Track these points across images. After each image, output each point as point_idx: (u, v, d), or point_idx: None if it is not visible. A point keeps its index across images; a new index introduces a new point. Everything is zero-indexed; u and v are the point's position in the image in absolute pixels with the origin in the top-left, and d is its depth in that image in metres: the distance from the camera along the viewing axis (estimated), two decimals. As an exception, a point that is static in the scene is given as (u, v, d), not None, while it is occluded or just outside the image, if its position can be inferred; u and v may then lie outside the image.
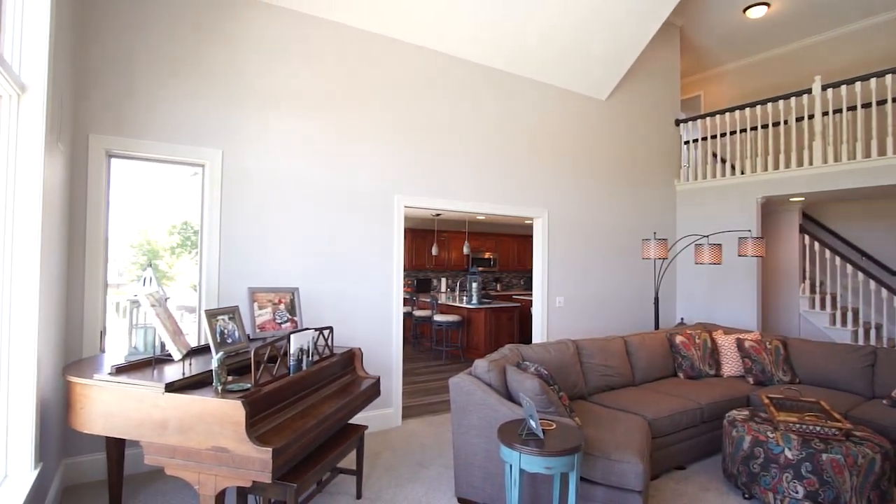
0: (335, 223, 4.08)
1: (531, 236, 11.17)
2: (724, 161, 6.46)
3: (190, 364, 2.47)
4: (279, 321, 3.26)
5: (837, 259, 5.93)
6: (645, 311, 6.22)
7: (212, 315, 2.67)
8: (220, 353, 2.18)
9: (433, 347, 7.74)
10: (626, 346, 4.24)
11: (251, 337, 3.11)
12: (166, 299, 2.66)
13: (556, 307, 5.37)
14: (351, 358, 3.27)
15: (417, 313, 8.05)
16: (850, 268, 5.81)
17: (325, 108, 4.05)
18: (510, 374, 2.99)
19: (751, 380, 4.27)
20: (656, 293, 5.19)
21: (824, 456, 2.78)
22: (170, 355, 2.50)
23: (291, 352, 2.58)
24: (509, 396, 3.00)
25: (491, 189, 4.96)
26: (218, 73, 3.62)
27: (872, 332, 5.51)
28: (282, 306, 3.31)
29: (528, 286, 11.52)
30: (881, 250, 6.46)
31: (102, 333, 3.26)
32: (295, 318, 3.35)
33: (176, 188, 5.27)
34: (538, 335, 5.25)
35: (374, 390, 3.21)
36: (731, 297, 6.03)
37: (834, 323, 5.96)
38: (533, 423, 2.37)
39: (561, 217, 5.46)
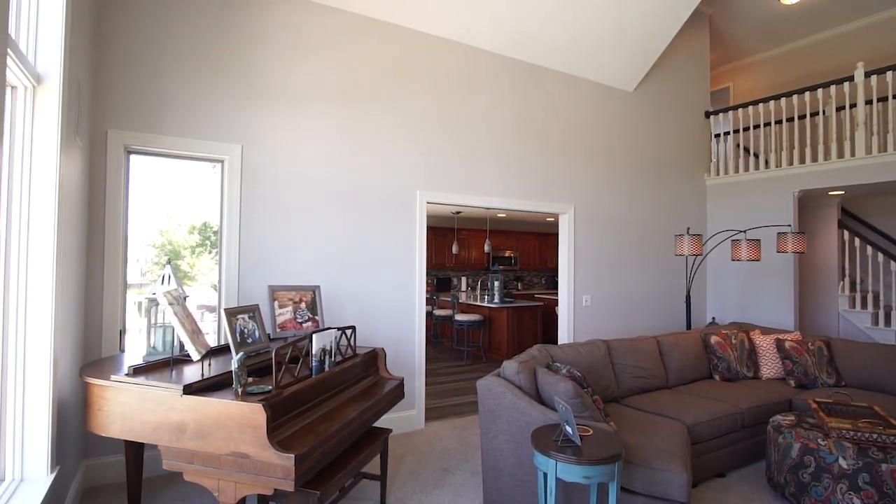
0: (357, 220, 3.98)
1: (553, 234, 11.00)
2: (756, 156, 6.20)
3: (209, 365, 2.38)
4: (300, 320, 3.17)
5: (880, 256, 5.63)
6: (675, 311, 5.99)
7: (231, 314, 2.57)
8: (241, 354, 2.08)
9: (454, 347, 7.61)
10: (658, 347, 4.05)
11: (272, 336, 3.02)
12: (185, 298, 2.58)
13: (583, 306, 5.19)
14: (374, 358, 3.16)
15: (438, 312, 7.93)
16: (894, 265, 5.51)
17: (346, 102, 3.95)
18: (541, 376, 2.85)
19: (792, 382, 4.05)
20: (688, 291, 4.98)
21: (884, 466, 2.57)
22: (188, 356, 2.42)
23: (313, 352, 2.47)
24: (540, 399, 2.86)
25: (515, 184, 4.81)
26: (238, 65, 3.54)
27: (920, 333, 5.22)
28: (303, 305, 3.21)
29: (550, 285, 11.31)
30: (927, 246, 6.13)
31: (122, 333, 3.21)
32: (316, 318, 3.25)
33: (197, 185, 5.21)
34: (564, 335, 5.08)
35: (399, 392, 3.09)
36: (765, 296, 5.77)
37: (876, 323, 5.66)
38: (569, 429, 2.22)
39: (587, 213, 5.28)
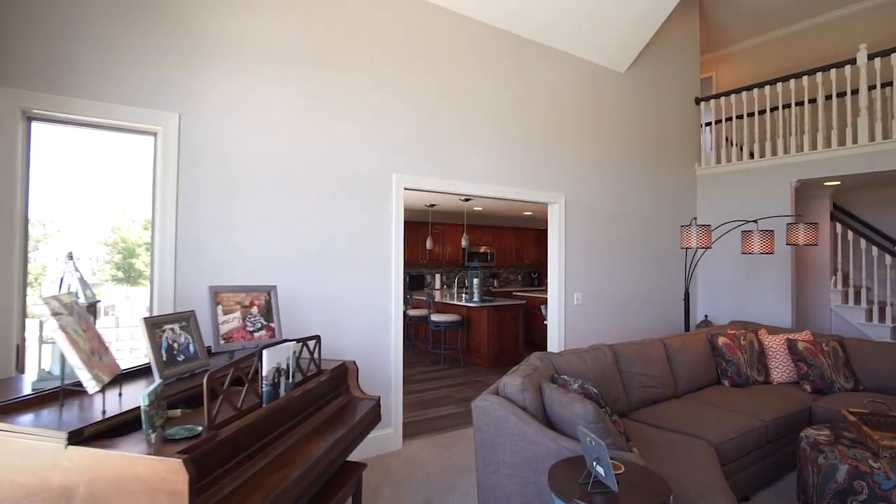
0: (323, 208, 3.38)
1: (530, 229, 10.58)
2: (740, 147, 5.90)
3: (120, 395, 1.76)
4: (251, 329, 2.56)
5: (874, 249, 5.40)
6: (669, 308, 5.63)
7: (154, 325, 1.96)
8: (154, 385, 1.48)
9: (430, 350, 7.07)
10: (666, 351, 3.62)
11: (213, 351, 2.41)
12: (92, 304, 1.95)
13: (574, 305, 4.73)
14: (344, 374, 2.58)
15: (412, 312, 7.37)
16: (888, 259, 5.28)
17: (311, 69, 3.34)
18: (549, 394, 2.34)
19: (808, 387, 3.69)
20: (686, 288, 4.59)
21: (954, 494, 2.18)
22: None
23: (264, 374, 1.89)
24: (547, 421, 2.35)
25: (502, 169, 4.29)
26: (179, 16, 2.89)
27: (917, 329, 5.00)
28: (254, 310, 2.61)
29: (527, 282, 10.91)
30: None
31: (20, 348, 2.53)
32: (272, 325, 2.65)
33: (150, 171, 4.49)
34: (554, 338, 4.61)
35: (375, 415, 2.53)
36: (760, 292, 5.47)
37: (870, 319, 5.44)
38: (601, 470, 1.71)
39: (579, 202, 4.82)
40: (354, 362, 2.63)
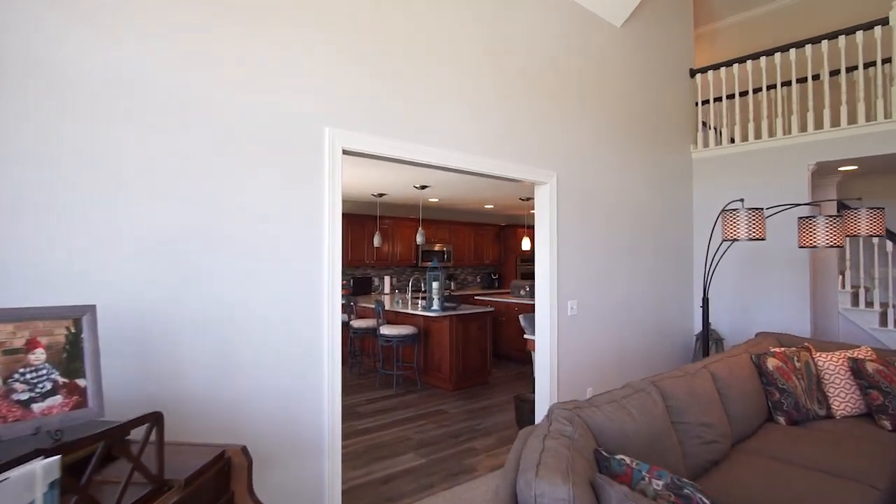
0: (211, 174, 2.10)
1: (490, 225, 9.53)
2: (717, 131, 5.11)
3: None
4: (27, 396, 1.27)
5: (889, 245, 4.72)
6: (672, 319, 4.69)
7: None
8: None
9: (380, 369, 5.83)
10: (715, 384, 2.61)
11: None
12: None
13: (568, 316, 3.67)
14: (223, 475, 1.34)
15: (357, 323, 6.10)
16: (906, 255, 4.62)
17: (183, -53, 2.06)
18: (623, 512, 1.21)
19: (887, 423, 2.80)
20: (705, 293, 3.65)
21: None
22: None
23: None
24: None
25: (476, 135, 3.15)
26: None
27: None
28: (38, 355, 1.32)
29: (487, 284, 9.85)
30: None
31: None
32: (79, 383, 1.37)
33: None
34: (545, 360, 3.53)
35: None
36: (770, 295, 4.65)
37: (885, 323, 4.75)
38: None
39: (573, 184, 3.77)
40: (244, 451, 1.39)
